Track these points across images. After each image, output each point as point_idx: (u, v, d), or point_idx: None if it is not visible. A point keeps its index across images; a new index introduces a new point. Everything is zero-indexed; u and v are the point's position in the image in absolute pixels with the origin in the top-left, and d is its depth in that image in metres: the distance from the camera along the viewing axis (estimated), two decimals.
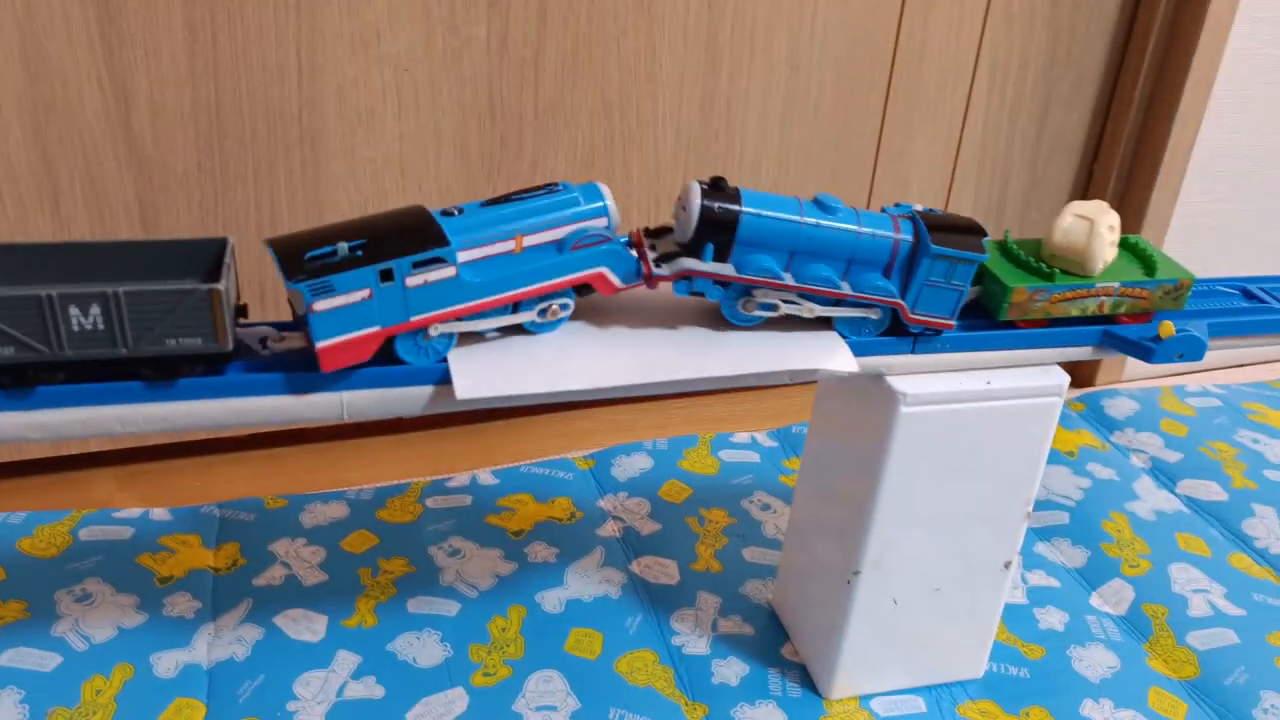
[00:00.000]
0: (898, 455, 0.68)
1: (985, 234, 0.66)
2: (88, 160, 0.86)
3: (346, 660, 0.78)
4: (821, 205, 0.65)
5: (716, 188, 0.64)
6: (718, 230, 0.63)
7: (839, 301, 0.66)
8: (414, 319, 0.58)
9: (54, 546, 0.87)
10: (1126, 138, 1.14)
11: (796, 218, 0.64)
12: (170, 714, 0.73)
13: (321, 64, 0.88)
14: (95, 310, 0.53)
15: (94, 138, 0.85)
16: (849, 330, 0.67)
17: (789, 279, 0.65)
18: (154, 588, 0.84)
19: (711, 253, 0.64)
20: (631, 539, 0.92)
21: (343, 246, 0.55)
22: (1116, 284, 0.69)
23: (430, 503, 0.96)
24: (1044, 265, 0.69)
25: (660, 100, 0.99)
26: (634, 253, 0.65)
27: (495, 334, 0.63)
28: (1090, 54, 1.12)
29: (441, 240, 0.57)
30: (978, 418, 0.68)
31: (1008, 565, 0.75)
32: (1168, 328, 0.68)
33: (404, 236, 0.57)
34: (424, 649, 0.80)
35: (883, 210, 0.68)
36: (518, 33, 0.93)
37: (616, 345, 0.64)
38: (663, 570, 0.89)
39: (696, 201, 0.63)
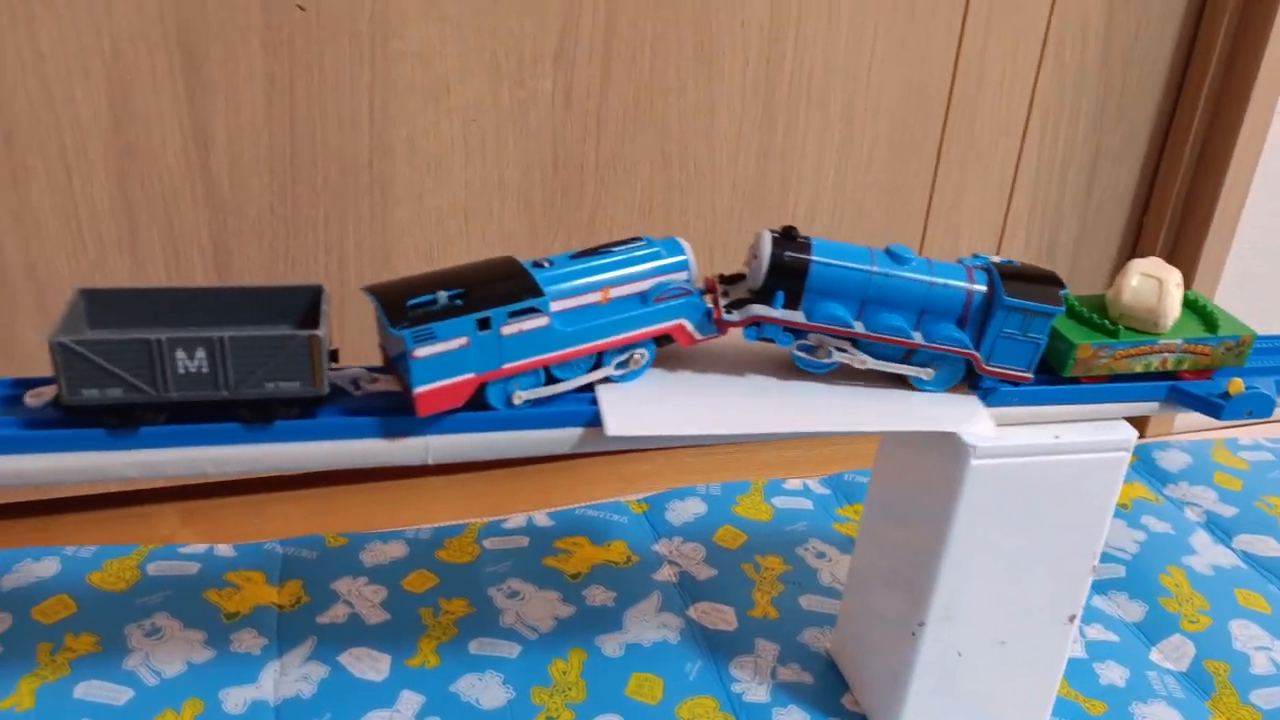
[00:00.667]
0: (967, 507, 0.68)
1: (1064, 286, 0.67)
2: (166, 203, 0.89)
3: (410, 700, 0.79)
4: (894, 255, 0.66)
5: (788, 236, 0.65)
6: (787, 278, 0.65)
7: (910, 353, 0.67)
8: (507, 366, 0.59)
9: (123, 580, 0.89)
10: (1177, 191, 1.15)
11: (867, 267, 0.65)
12: None
13: (393, 115, 0.91)
14: (201, 354, 0.55)
15: (173, 181, 0.88)
16: (921, 385, 0.68)
17: (859, 328, 0.66)
18: (220, 624, 0.85)
19: (782, 300, 0.65)
20: (688, 584, 0.93)
21: (442, 296, 0.57)
22: (1180, 340, 0.70)
23: (488, 544, 0.97)
24: (1107, 322, 0.70)
25: (718, 152, 1.01)
26: (707, 300, 0.66)
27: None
28: (1141, 108, 1.13)
29: (536, 291, 0.59)
30: (1046, 471, 0.69)
31: (1072, 619, 0.75)
32: (1237, 385, 0.69)
33: (500, 287, 0.59)
34: (486, 690, 0.80)
35: (959, 261, 0.69)
36: (582, 86, 0.95)
37: (757, 393, 0.67)
38: (720, 616, 0.89)
39: (767, 249, 0.65)
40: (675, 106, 0.98)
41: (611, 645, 0.85)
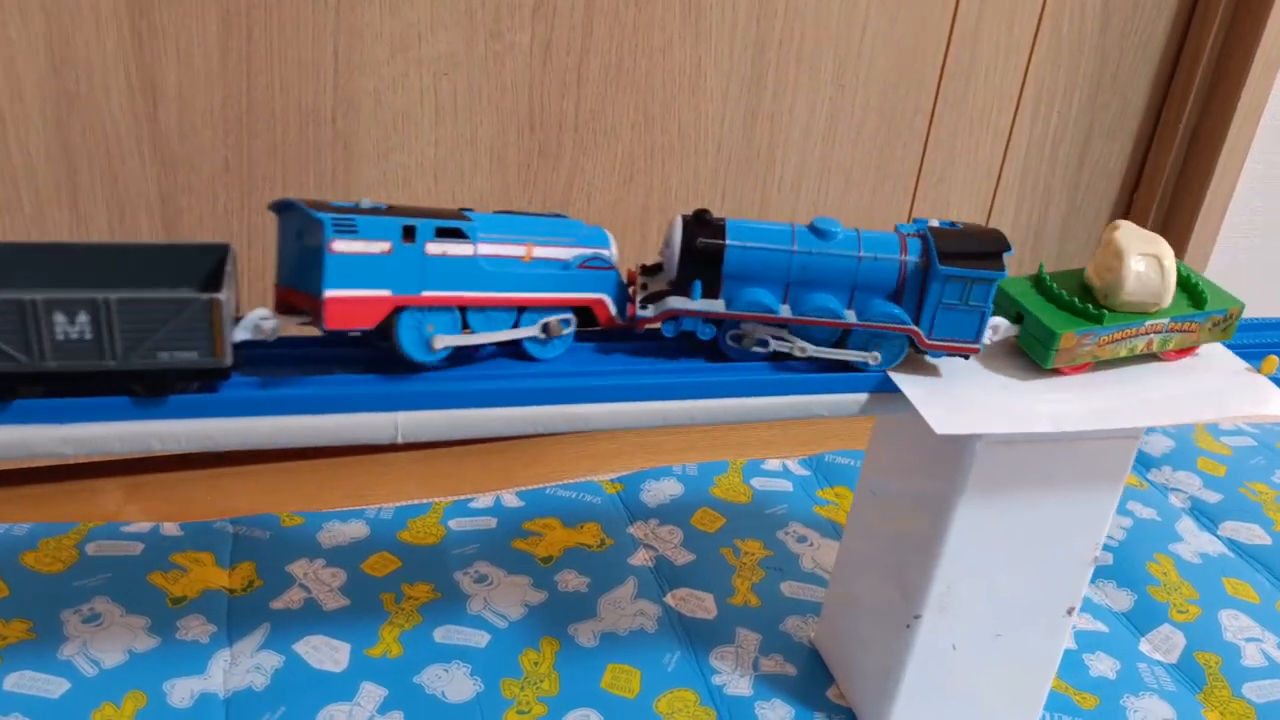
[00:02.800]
0: (970, 495, 0.64)
1: (1007, 247, 0.61)
2: (110, 156, 0.82)
3: (372, 693, 0.74)
4: (817, 231, 0.61)
5: (700, 221, 0.61)
6: (703, 265, 0.60)
7: (846, 334, 0.62)
8: (426, 294, 0.54)
9: (59, 561, 0.83)
10: (1170, 167, 1.12)
11: (787, 247, 0.60)
12: None
13: (359, 64, 0.85)
14: (83, 318, 0.48)
15: (118, 132, 0.81)
16: (863, 367, 0.63)
17: (786, 311, 0.61)
18: (166, 609, 0.79)
19: (700, 290, 0.61)
20: (665, 569, 0.88)
21: (365, 201, 0.53)
22: (1166, 320, 0.65)
23: (454, 524, 0.92)
24: (1089, 305, 0.64)
25: (703, 114, 0.96)
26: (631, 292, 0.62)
27: (492, 350, 0.60)
28: (1135, 82, 1.10)
29: (464, 218, 0.55)
30: (1054, 456, 0.65)
31: (1070, 611, 0.72)
32: (1271, 364, 0.65)
33: (427, 211, 0.55)
34: (453, 683, 0.76)
35: (895, 229, 0.63)
36: (562, 40, 0.89)
37: (1062, 390, 0.64)
38: (699, 604, 0.85)
39: (678, 237, 0.60)
40: (660, 65, 0.93)
41: (586, 634, 0.81)
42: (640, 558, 0.90)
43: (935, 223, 0.63)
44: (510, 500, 0.96)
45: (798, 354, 0.61)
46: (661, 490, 0.99)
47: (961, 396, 0.62)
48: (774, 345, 0.61)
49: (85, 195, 0.82)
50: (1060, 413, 0.62)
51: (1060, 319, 0.64)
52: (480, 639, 0.80)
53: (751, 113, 0.98)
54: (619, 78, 0.92)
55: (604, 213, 0.96)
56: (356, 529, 0.91)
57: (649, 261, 0.66)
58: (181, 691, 0.73)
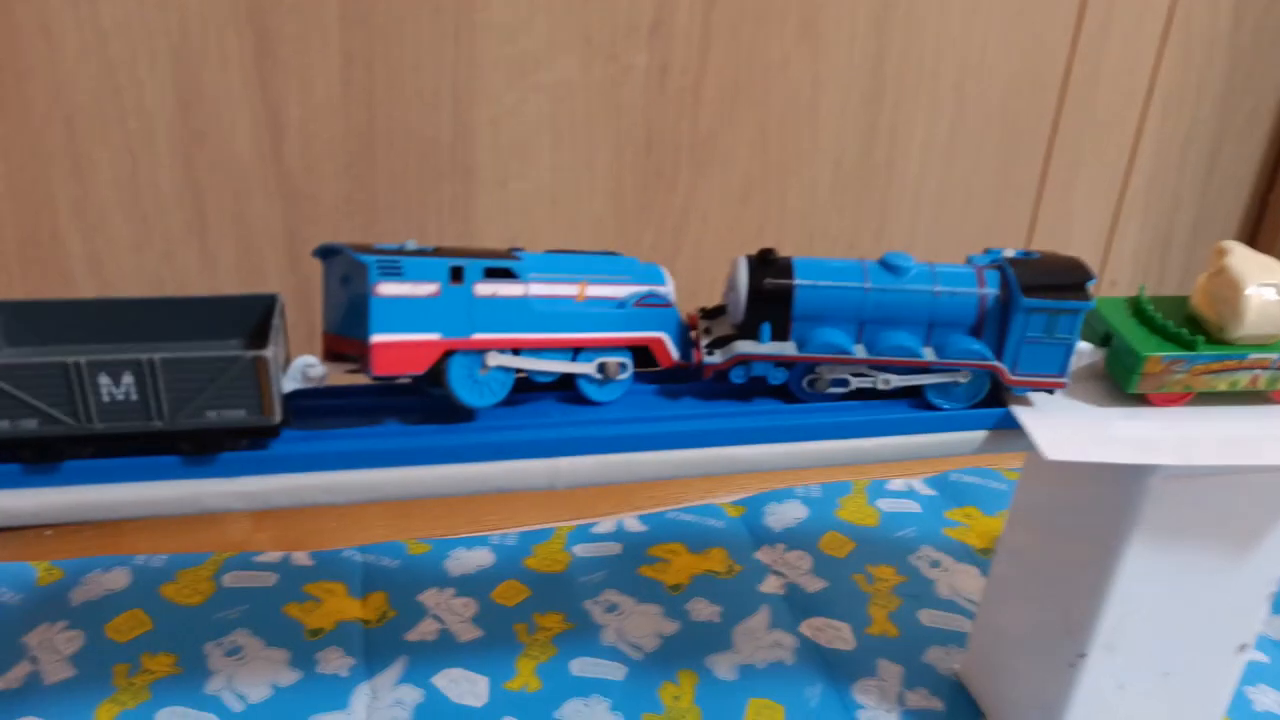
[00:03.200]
0: (1144, 530, 0.61)
1: (1090, 276, 0.58)
2: (237, 193, 0.83)
3: None
4: (889, 266, 0.59)
5: (766, 260, 0.58)
6: (771, 306, 0.58)
7: (925, 370, 0.60)
8: (477, 336, 0.53)
9: (198, 593, 0.84)
10: None
11: (859, 284, 0.58)
12: None
13: (477, 93, 0.84)
14: (128, 379, 0.47)
15: (244, 168, 0.82)
16: (942, 399, 0.60)
17: (860, 352, 0.59)
18: (304, 641, 0.80)
19: (769, 333, 0.58)
20: (797, 597, 0.86)
21: (411, 243, 0.52)
22: (1276, 356, 0.60)
23: (578, 551, 0.91)
24: (1184, 331, 0.60)
25: (821, 131, 0.94)
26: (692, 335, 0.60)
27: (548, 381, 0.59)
28: (1270, 83, 1.05)
29: (514, 257, 0.54)
30: (1233, 489, 0.62)
31: (1243, 648, 0.68)
32: None
33: (474, 251, 0.54)
34: (593, 716, 0.75)
35: (968, 261, 0.61)
36: (678, 61, 0.88)
37: (1178, 421, 0.61)
38: (836, 634, 0.83)
39: (744, 278, 0.58)
40: (777, 82, 0.91)
41: (723, 666, 0.79)
42: (771, 585, 0.88)
43: (1010, 253, 0.60)
44: (632, 525, 0.95)
45: (882, 386, 0.59)
46: (785, 513, 0.97)
47: (1074, 422, 0.60)
48: (855, 383, 0.59)
49: (214, 233, 0.83)
50: (1173, 448, 0.59)
51: (1149, 341, 0.60)
52: (617, 671, 0.79)
53: (870, 127, 0.95)
54: (736, 97, 0.90)
55: (720, 233, 0.95)
56: (482, 556, 0.91)
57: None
58: None
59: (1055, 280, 0.58)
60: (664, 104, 0.89)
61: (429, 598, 0.85)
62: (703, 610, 0.85)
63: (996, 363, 0.59)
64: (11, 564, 0.87)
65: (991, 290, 0.59)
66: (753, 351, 0.58)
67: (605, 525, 0.95)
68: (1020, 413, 0.60)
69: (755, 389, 0.61)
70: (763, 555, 0.91)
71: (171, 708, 0.73)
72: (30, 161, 0.77)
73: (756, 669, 0.79)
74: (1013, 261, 0.59)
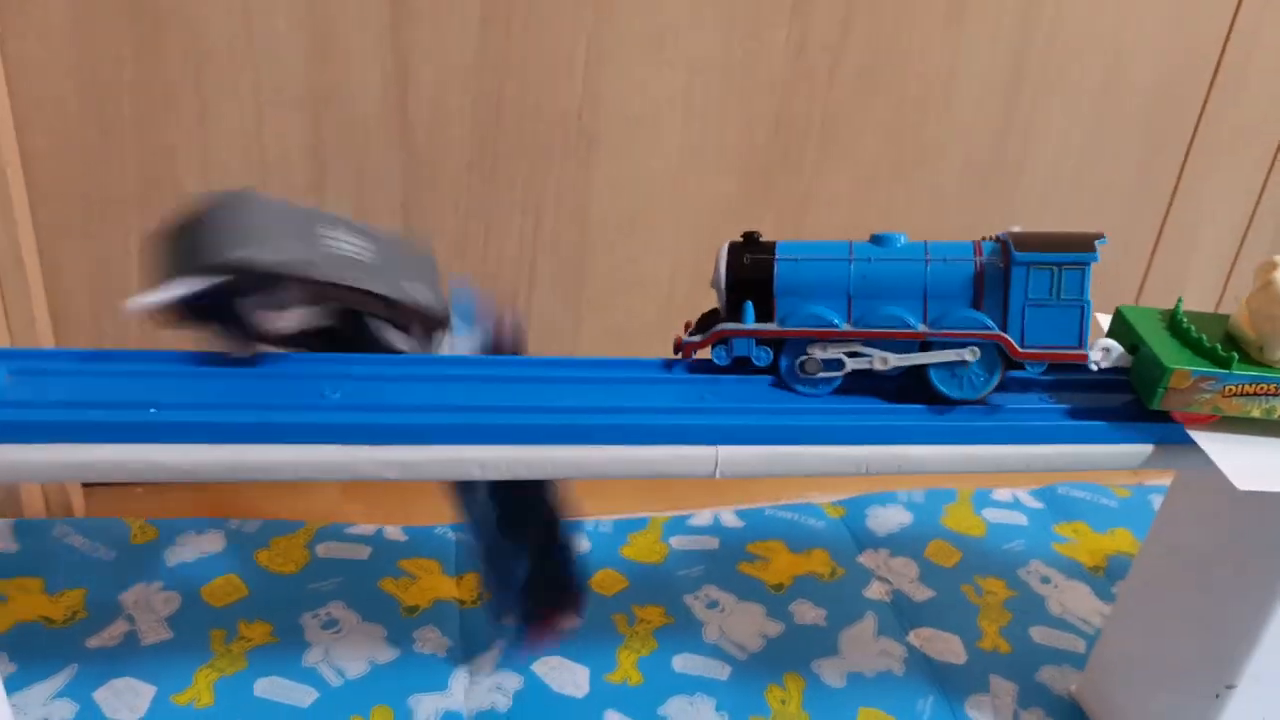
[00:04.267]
0: None
1: (1100, 235, 0.53)
2: (360, 151, 0.80)
3: None
4: (877, 239, 0.55)
5: (749, 242, 0.56)
6: (752, 286, 0.55)
7: (923, 345, 0.55)
8: None
9: (292, 562, 0.82)
10: None
11: (843, 256, 0.55)
12: None
13: (611, 64, 0.81)
14: None
15: (370, 127, 0.79)
16: (951, 387, 0.55)
17: (848, 327, 0.55)
18: (400, 618, 0.78)
19: (752, 312, 0.55)
20: (903, 605, 0.83)
21: None
22: None
23: (675, 543, 0.89)
24: (1218, 346, 0.55)
25: (954, 123, 0.90)
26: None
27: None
28: None
29: None
30: None
31: None
32: None
33: None
34: (698, 716, 0.72)
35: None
36: (817, 39, 0.84)
37: None
38: (946, 646, 0.80)
39: (724, 259, 0.56)
40: (914, 68, 0.87)
41: (831, 673, 0.76)
42: (876, 591, 0.85)
43: (1017, 228, 0.56)
44: (729, 519, 0.92)
45: (879, 366, 0.55)
46: (889, 518, 0.94)
47: (1254, 450, 0.54)
48: (850, 365, 0.55)
49: (332, 191, 0.81)
50: None
51: (1179, 354, 0.55)
52: (721, 670, 0.76)
53: (1005, 122, 0.91)
54: (871, 80, 0.87)
55: (842, 219, 0.91)
56: (579, 542, 0.88)
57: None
58: (426, 708, 0.70)
59: (1055, 237, 0.53)
60: (797, 83, 0.86)
61: None
62: (807, 613, 0.82)
63: (1000, 332, 0.54)
64: (104, 519, 0.85)
65: (988, 257, 0.54)
66: (732, 327, 0.55)
67: (702, 518, 0.92)
68: (1198, 437, 0.56)
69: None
70: (866, 560, 0.88)
71: (270, 678, 0.71)
72: (159, 106, 0.75)
73: (865, 677, 0.76)
74: (1014, 234, 0.55)
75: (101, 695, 0.69)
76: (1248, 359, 0.55)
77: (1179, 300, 0.60)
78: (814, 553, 0.89)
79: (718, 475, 0.53)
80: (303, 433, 0.49)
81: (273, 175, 0.79)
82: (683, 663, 0.76)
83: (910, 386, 0.56)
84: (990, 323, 0.54)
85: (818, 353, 0.55)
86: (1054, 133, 0.93)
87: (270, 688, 0.71)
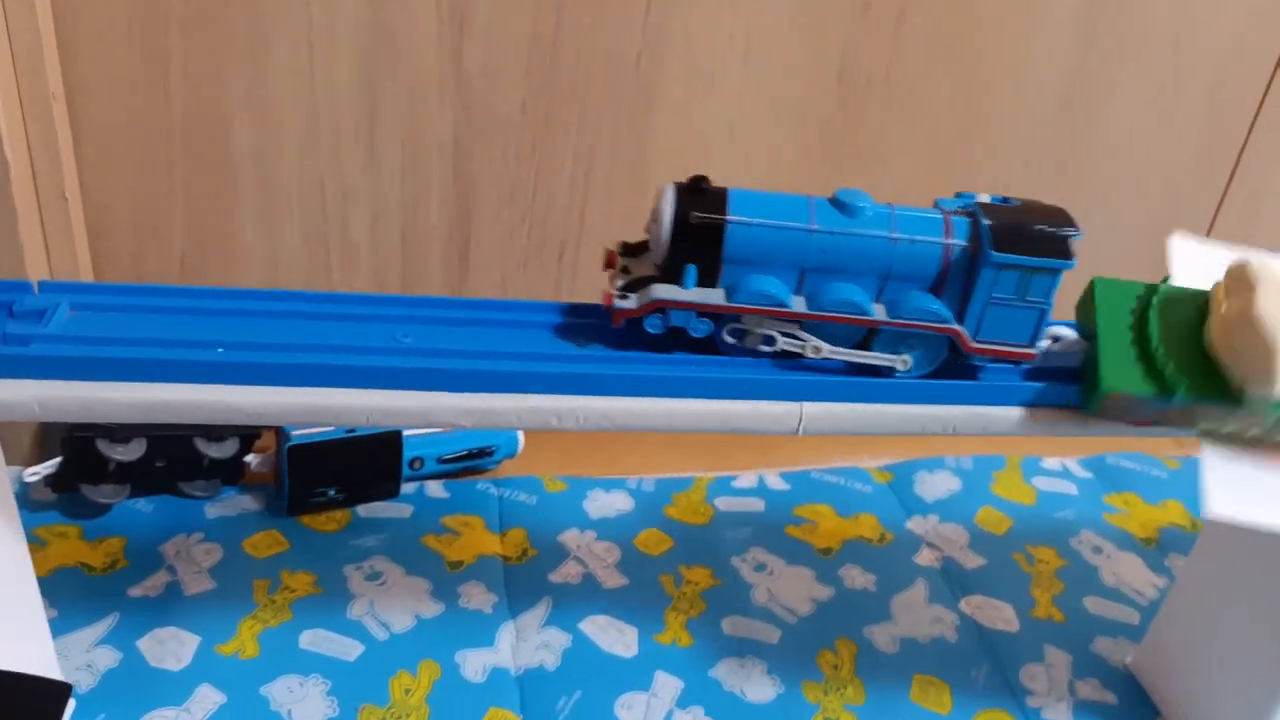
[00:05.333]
0: None
1: (1075, 230, 0.50)
2: (411, 92, 0.77)
3: (668, 684, 0.70)
4: (841, 205, 0.51)
5: (697, 190, 0.50)
6: (699, 246, 0.50)
7: (873, 333, 0.52)
8: None
9: (334, 521, 0.80)
10: None
11: (804, 225, 0.50)
12: None
13: (672, 9, 0.78)
14: None
15: (421, 66, 0.76)
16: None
17: (800, 305, 0.51)
18: (445, 573, 0.76)
19: (695, 276, 0.51)
20: (954, 572, 0.82)
21: None
22: (1273, 417, 0.50)
23: (720, 504, 0.87)
24: (1170, 368, 0.50)
25: (1023, 80, 0.87)
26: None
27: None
28: None
29: None
30: None
31: None
32: None
33: None
34: (750, 680, 0.71)
35: (935, 205, 0.53)
36: None
37: None
38: (998, 614, 0.78)
39: (669, 210, 0.50)
40: (984, 21, 0.84)
41: (883, 638, 0.75)
42: (926, 557, 0.83)
43: (985, 198, 0.52)
44: (774, 482, 0.91)
45: (810, 354, 0.51)
46: (937, 483, 0.92)
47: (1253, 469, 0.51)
48: (781, 343, 0.51)
49: (382, 133, 0.78)
50: None
51: (1121, 369, 0.51)
52: (771, 634, 0.74)
53: (1074, 82, 0.88)
54: (939, 37, 0.84)
55: (901, 185, 0.88)
56: (620, 500, 0.86)
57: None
58: (473, 665, 0.69)
59: (1033, 234, 0.50)
60: (865, 34, 0.82)
61: (570, 539, 0.81)
62: (856, 578, 0.80)
63: (956, 326, 0.51)
64: None
65: (958, 241, 0.50)
66: (673, 298, 0.50)
67: (746, 480, 0.91)
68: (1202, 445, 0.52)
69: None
70: (915, 526, 0.87)
71: (315, 630, 0.70)
72: (210, 43, 0.72)
73: (918, 644, 0.75)
74: (985, 208, 0.51)
75: (145, 644, 0.67)
76: (1207, 380, 0.51)
77: (1164, 279, 0.54)
78: (862, 517, 0.87)
79: (800, 433, 0.51)
80: (379, 377, 0.47)
81: (322, 113, 0.76)
82: (732, 625, 0.75)
83: None
84: (947, 315, 0.51)
85: (755, 327, 0.51)
86: (1122, 97, 0.90)
87: (315, 640, 0.69)
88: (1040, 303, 0.51)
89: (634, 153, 0.83)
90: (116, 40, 0.72)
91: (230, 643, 0.68)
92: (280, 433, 0.78)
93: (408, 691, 0.67)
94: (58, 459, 0.74)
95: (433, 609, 0.73)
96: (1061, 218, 0.50)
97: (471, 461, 0.86)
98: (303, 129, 0.76)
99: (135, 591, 0.71)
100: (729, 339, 0.52)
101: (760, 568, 0.81)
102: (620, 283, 0.52)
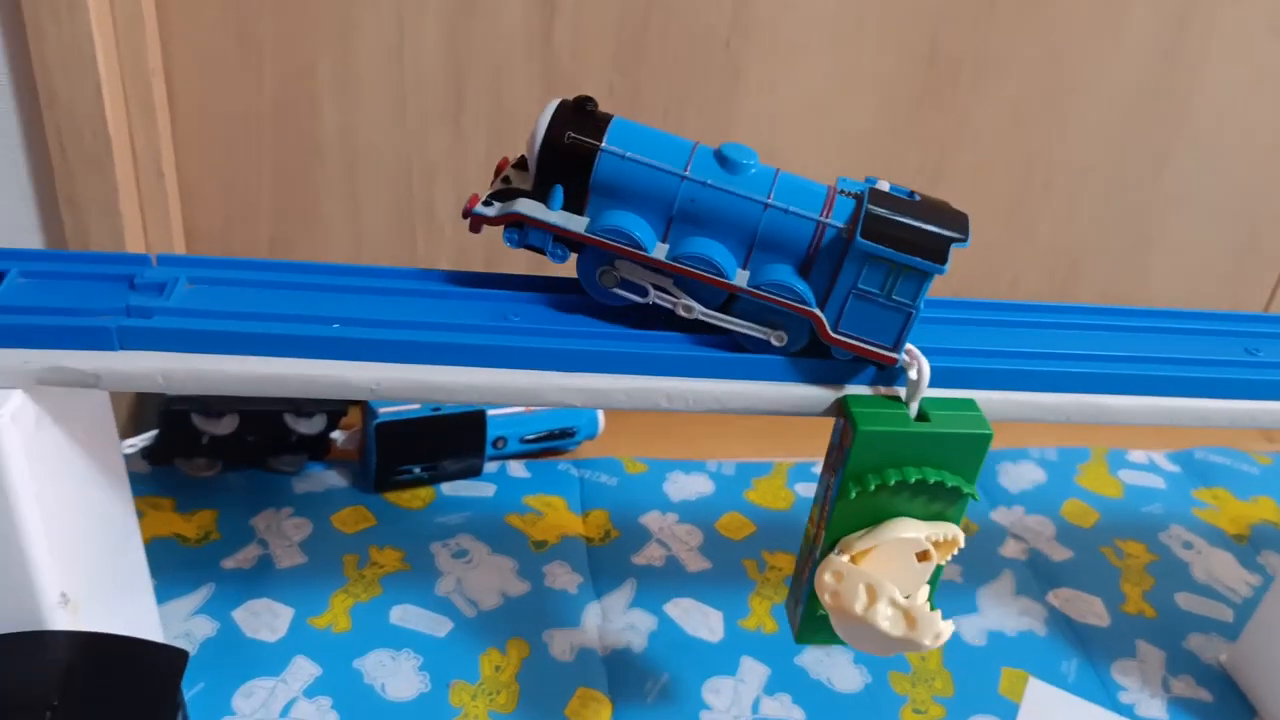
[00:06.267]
0: None
1: (962, 236, 0.46)
2: (499, 72, 0.77)
3: (754, 670, 0.69)
4: (723, 159, 0.48)
5: (581, 110, 0.48)
6: (566, 168, 0.48)
7: (732, 299, 0.49)
8: None
9: (419, 499, 0.81)
10: None
11: (678, 170, 0.47)
12: (576, 706, 0.65)
13: None
14: None
15: (509, 45, 0.76)
16: (751, 343, 0.50)
17: (660, 252, 0.48)
18: (530, 553, 0.76)
19: (561, 199, 0.48)
20: (1040, 565, 0.80)
21: None
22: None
23: (801, 490, 0.86)
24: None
25: (1117, 54, 0.85)
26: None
27: None
28: None
29: None
30: None
31: None
32: None
33: None
34: (835, 668, 0.70)
35: (837, 184, 0.49)
36: None
37: None
38: (1088, 608, 0.77)
39: (544, 125, 0.47)
40: (1076, 11, 0.82)
41: (971, 630, 0.74)
42: (1011, 549, 0.82)
43: (885, 185, 0.49)
44: None
45: (681, 313, 0.49)
46: (1021, 475, 0.90)
47: None
48: (654, 296, 0.49)
49: (469, 113, 0.78)
50: None
51: (874, 410, 0.49)
52: None
53: (1170, 56, 0.86)
54: (1030, 7, 0.82)
55: (988, 157, 0.87)
56: (701, 483, 0.86)
57: None
58: (561, 644, 0.69)
59: (909, 230, 0.46)
60: (955, 10, 0.81)
61: (651, 521, 0.81)
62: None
63: (815, 310, 0.48)
64: None
65: (835, 222, 0.47)
66: (531, 214, 0.48)
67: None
68: None
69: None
70: (999, 516, 0.85)
71: (405, 605, 0.71)
72: (300, 20, 0.73)
73: (1007, 637, 0.74)
74: (877, 195, 0.47)
75: (240, 615, 0.68)
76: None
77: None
78: None
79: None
80: (490, 355, 0.47)
81: (409, 94, 0.76)
82: None
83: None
84: (808, 296, 0.48)
85: (623, 271, 0.49)
86: (1218, 72, 0.87)
87: (405, 615, 0.70)
88: (906, 305, 0.47)
89: (719, 134, 0.82)
90: (210, 21, 0.72)
91: (323, 616, 0.69)
92: (367, 410, 0.78)
93: (498, 669, 0.67)
94: (153, 432, 0.75)
95: (519, 588, 0.74)
96: (953, 222, 0.46)
97: (553, 442, 0.86)
98: (390, 109, 0.77)
99: (229, 563, 0.72)
100: (598, 281, 0.50)
101: None
102: (490, 192, 0.50)
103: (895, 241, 0.46)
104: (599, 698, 0.66)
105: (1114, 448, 0.95)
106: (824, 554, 0.51)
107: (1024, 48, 0.83)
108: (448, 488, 0.82)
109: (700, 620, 0.73)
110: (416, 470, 0.80)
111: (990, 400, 0.51)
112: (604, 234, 0.48)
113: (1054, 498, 0.88)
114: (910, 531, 0.49)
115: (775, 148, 0.84)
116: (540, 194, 0.49)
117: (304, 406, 0.78)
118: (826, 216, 0.47)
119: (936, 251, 0.46)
